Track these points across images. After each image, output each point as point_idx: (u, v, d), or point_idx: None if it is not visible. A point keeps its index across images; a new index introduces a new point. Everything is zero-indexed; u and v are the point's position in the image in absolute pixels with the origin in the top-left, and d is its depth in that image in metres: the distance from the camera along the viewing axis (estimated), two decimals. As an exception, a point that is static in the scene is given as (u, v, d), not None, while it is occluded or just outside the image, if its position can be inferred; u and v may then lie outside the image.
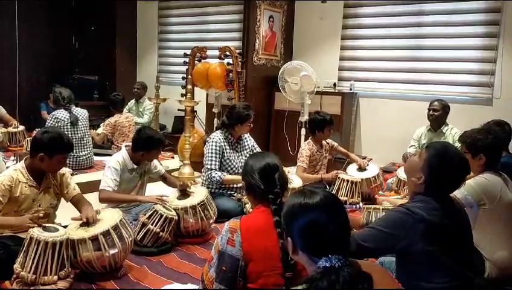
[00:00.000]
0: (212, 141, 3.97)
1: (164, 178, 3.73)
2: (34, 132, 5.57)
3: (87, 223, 2.69)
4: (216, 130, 4.19)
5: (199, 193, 3.46)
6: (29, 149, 5.42)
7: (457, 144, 4.52)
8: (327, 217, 1.36)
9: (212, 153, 3.93)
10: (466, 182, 2.63)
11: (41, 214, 2.56)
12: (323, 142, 4.64)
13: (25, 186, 2.73)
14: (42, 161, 2.71)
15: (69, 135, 5.15)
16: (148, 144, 3.40)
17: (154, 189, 3.88)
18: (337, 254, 1.28)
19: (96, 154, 5.68)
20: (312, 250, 1.36)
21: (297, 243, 1.39)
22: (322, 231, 1.35)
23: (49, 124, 5.13)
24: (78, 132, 5.28)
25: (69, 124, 5.21)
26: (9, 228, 2.67)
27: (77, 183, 3.06)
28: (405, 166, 2.52)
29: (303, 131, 5.33)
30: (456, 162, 2.00)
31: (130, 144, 3.52)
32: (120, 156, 3.43)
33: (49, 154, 2.71)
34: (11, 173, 2.73)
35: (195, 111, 5.59)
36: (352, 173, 4.57)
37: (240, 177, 3.83)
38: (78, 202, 2.92)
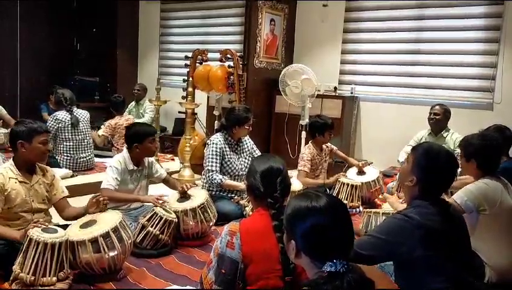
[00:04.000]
0: (213, 143, 3.98)
1: (166, 181, 3.74)
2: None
3: (88, 224, 2.70)
4: (216, 132, 4.19)
5: (199, 196, 3.45)
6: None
7: (458, 150, 4.55)
8: (333, 220, 1.36)
9: (212, 155, 3.93)
10: (465, 187, 2.66)
11: (43, 225, 2.53)
12: (323, 146, 4.64)
13: (15, 182, 2.74)
14: (23, 147, 2.74)
15: (70, 137, 5.19)
16: (137, 135, 3.42)
17: (156, 191, 3.87)
18: (340, 258, 1.28)
19: (96, 155, 5.67)
20: (315, 253, 1.35)
21: (300, 246, 1.38)
22: (327, 234, 1.34)
23: (50, 125, 5.13)
24: (79, 133, 5.28)
25: (69, 126, 5.21)
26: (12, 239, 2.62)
27: (77, 185, 3.09)
28: (399, 174, 2.52)
29: (303, 134, 5.33)
30: (444, 157, 2.00)
31: None
32: (121, 156, 3.45)
33: (27, 139, 2.74)
34: (0, 170, 2.74)
35: (196, 113, 5.59)
36: (352, 176, 4.56)
37: (239, 184, 3.87)
38: (63, 207, 2.96)
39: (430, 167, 1.98)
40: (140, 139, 3.40)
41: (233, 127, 4.01)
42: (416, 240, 1.87)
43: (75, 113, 5.27)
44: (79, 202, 3.12)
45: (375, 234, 1.98)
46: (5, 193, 2.68)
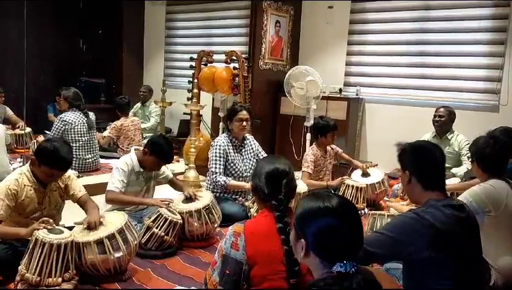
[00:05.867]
0: (217, 145, 3.98)
1: (172, 183, 3.74)
2: (41, 135, 5.60)
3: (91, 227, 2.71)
4: (223, 132, 4.21)
5: (204, 197, 3.46)
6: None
7: (463, 151, 4.56)
8: (345, 221, 1.36)
9: (216, 156, 3.94)
10: (471, 188, 2.65)
11: (49, 227, 2.54)
12: (328, 147, 4.64)
13: (30, 190, 2.73)
14: (33, 165, 2.74)
15: (76, 138, 5.21)
16: (157, 151, 3.39)
17: (161, 192, 3.89)
18: (350, 259, 1.28)
19: (101, 156, 5.70)
20: (326, 253, 1.35)
21: (311, 245, 1.38)
22: (338, 234, 1.34)
23: (57, 127, 5.15)
24: (85, 134, 5.30)
25: (76, 127, 5.22)
26: (17, 237, 2.64)
27: (83, 186, 3.07)
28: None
29: (308, 136, 5.33)
30: (423, 145, 2.12)
31: (139, 147, 3.52)
32: (128, 158, 3.45)
33: (38, 161, 2.71)
34: (16, 176, 2.73)
35: (201, 115, 5.60)
36: (357, 178, 4.55)
37: (244, 184, 3.87)
38: (84, 204, 2.92)
39: (417, 158, 2.05)
40: (160, 157, 3.39)
41: (229, 124, 4.07)
42: (425, 240, 1.85)
43: (79, 116, 5.26)
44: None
45: (385, 231, 1.96)
46: (18, 200, 2.68)
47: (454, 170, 4.49)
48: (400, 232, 1.92)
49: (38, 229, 2.46)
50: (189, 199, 3.45)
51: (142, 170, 3.46)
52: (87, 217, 2.75)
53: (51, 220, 2.60)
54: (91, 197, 3.03)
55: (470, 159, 2.88)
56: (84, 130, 5.29)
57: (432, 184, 2.02)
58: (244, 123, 4.02)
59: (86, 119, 5.31)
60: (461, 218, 1.95)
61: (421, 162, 2.05)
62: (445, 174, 2.10)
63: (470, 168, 4.36)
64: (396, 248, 1.91)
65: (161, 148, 3.39)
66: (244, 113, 4.01)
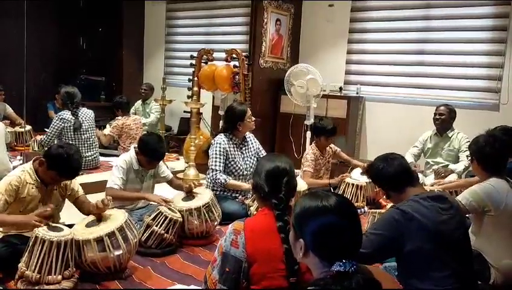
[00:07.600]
0: (217, 143, 3.98)
1: (171, 182, 3.74)
2: (41, 134, 5.60)
3: (94, 223, 2.72)
4: (220, 132, 4.20)
5: (204, 195, 3.46)
6: (35, 149, 5.48)
7: (463, 148, 4.57)
8: (343, 220, 1.35)
9: (216, 154, 3.93)
10: (471, 188, 2.67)
11: (48, 208, 2.56)
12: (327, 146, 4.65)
13: (32, 188, 2.74)
14: (40, 166, 2.75)
15: (75, 136, 5.20)
16: (148, 151, 3.39)
17: (159, 191, 3.89)
18: (349, 259, 1.28)
19: (102, 154, 5.70)
20: (325, 253, 1.34)
21: (309, 245, 1.37)
22: (337, 233, 1.33)
23: (55, 124, 5.14)
24: (84, 132, 5.29)
25: (75, 125, 5.21)
26: (15, 226, 2.68)
27: (83, 184, 3.09)
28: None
29: (308, 134, 5.33)
30: (381, 158, 2.28)
31: None
32: (128, 156, 3.46)
33: (48, 165, 2.72)
34: (18, 173, 2.74)
35: (201, 113, 5.60)
36: (356, 177, 4.56)
37: (243, 184, 3.87)
38: (82, 204, 2.96)
39: (382, 174, 2.22)
40: (148, 155, 3.40)
41: (237, 124, 4.00)
42: (410, 232, 1.94)
43: (79, 115, 5.26)
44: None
45: (373, 231, 2.05)
46: (19, 197, 2.69)
47: (452, 166, 4.50)
48: (386, 228, 2.01)
49: (38, 227, 2.47)
50: (189, 197, 3.46)
51: (140, 168, 3.46)
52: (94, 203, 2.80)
53: (51, 217, 2.61)
54: (91, 194, 3.05)
55: (470, 158, 2.89)
56: (84, 127, 5.28)
57: (407, 184, 2.17)
58: (253, 118, 4.08)
59: (74, 119, 5.23)
60: (443, 209, 2.02)
61: (389, 173, 2.20)
62: (411, 171, 2.27)
63: (467, 164, 4.37)
64: (386, 244, 1.99)
65: (148, 147, 3.38)
66: (249, 110, 4.07)
